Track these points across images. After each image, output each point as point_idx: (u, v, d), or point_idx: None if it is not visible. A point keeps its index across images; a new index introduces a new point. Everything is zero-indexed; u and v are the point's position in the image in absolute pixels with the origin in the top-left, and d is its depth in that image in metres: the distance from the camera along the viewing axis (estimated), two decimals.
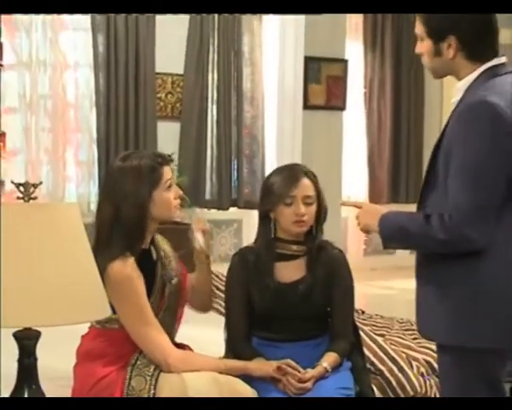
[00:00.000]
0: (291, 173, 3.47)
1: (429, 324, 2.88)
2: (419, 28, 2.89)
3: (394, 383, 3.66)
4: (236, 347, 3.48)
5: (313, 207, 3.43)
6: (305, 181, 3.43)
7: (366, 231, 2.98)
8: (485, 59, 2.82)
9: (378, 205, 3.06)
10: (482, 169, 2.66)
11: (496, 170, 2.67)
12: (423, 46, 2.90)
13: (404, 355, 3.84)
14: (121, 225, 3.20)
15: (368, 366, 3.66)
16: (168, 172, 3.33)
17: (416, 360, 3.85)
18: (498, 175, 2.67)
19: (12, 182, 2.58)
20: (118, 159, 3.37)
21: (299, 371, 3.27)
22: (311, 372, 3.29)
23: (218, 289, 4.74)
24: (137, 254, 3.24)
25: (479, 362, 2.77)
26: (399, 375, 3.69)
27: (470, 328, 2.74)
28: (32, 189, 2.50)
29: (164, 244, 3.47)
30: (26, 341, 2.40)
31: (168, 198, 3.31)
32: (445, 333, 2.80)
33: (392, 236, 2.89)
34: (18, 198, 2.50)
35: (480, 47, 2.82)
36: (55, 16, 8.14)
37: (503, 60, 2.84)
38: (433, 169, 2.83)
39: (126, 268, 3.16)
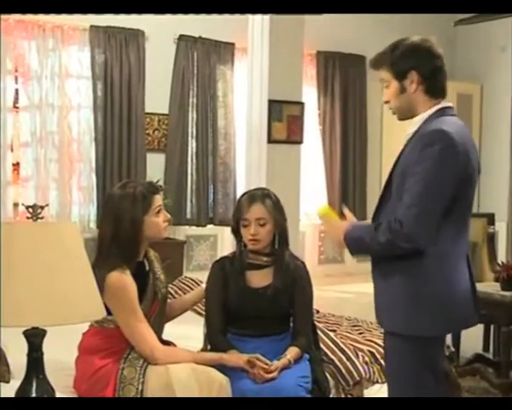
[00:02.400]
0: (248, 199, 3.46)
1: (388, 318, 2.88)
2: (385, 75, 2.91)
3: (344, 370, 3.63)
4: (214, 340, 3.44)
5: (267, 227, 3.41)
6: (258, 205, 3.41)
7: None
8: (438, 96, 2.87)
9: (343, 222, 2.98)
10: (431, 185, 2.68)
11: (442, 187, 2.70)
12: (390, 90, 2.91)
13: (351, 347, 3.82)
14: (119, 242, 3.18)
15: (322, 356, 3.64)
16: (158, 200, 3.31)
17: (362, 350, 3.83)
18: (444, 191, 2.70)
19: (22, 204, 2.53)
20: (117, 187, 3.34)
21: (267, 364, 3.24)
22: (276, 364, 3.27)
23: None
24: (133, 265, 3.22)
25: (426, 348, 2.80)
26: (348, 363, 3.66)
27: (420, 320, 2.75)
28: (39, 210, 2.46)
29: (155, 261, 3.44)
30: (34, 338, 2.36)
31: (157, 222, 3.29)
32: (402, 324, 2.80)
33: (356, 249, 2.93)
34: (27, 218, 2.45)
35: (435, 83, 2.87)
36: (62, 68, 8.12)
37: (450, 103, 2.89)
38: (389, 189, 2.85)
39: (122, 278, 3.14)
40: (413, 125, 2.87)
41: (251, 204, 3.42)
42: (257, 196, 3.46)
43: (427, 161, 2.67)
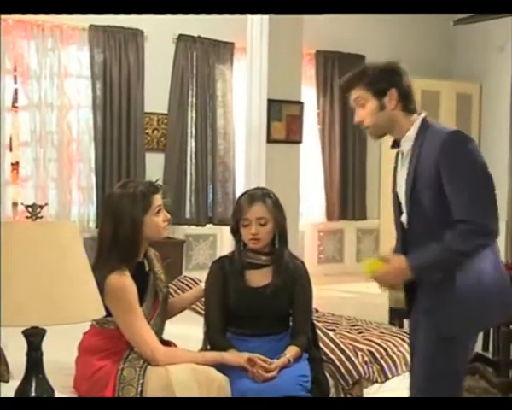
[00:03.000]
0: (248, 199, 3.45)
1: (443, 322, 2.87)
2: (362, 95, 2.96)
3: (343, 369, 3.63)
4: (213, 339, 3.44)
5: (267, 226, 3.40)
6: (258, 205, 3.41)
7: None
8: (413, 111, 2.93)
9: (395, 262, 2.89)
10: (482, 176, 2.77)
11: (487, 174, 2.79)
12: (367, 109, 2.96)
13: (350, 347, 3.81)
14: (119, 243, 3.17)
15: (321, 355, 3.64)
16: (158, 200, 3.30)
17: (361, 350, 3.82)
18: (489, 181, 2.79)
19: (22, 204, 2.53)
20: (117, 186, 3.34)
21: (267, 363, 3.24)
22: (276, 363, 3.26)
23: None
24: (132, 266, 3.21)
25: (464, 348, 2.89)
26: (347, 363, 3.66)
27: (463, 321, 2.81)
28: (38, 209, 2.45)
29: (155, 260, 3.43)
30: (33, 337, 2.35)
31: (157, 221, 3.28)
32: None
33: (432, 274, 2.86)
34: (27, 217, 2.45)
35: (409, 101, 2.93)
36: (61, 67, 8.12)
37: (424, 113, 2.94)
38: (415, 191, 2.84)
39: (122, 279, 3.13)
40: (407, 139, 2.91)
41: (251, 204, 3.41)
42: (257, 195, 3.46)
43: (466, 158, 2.74)
